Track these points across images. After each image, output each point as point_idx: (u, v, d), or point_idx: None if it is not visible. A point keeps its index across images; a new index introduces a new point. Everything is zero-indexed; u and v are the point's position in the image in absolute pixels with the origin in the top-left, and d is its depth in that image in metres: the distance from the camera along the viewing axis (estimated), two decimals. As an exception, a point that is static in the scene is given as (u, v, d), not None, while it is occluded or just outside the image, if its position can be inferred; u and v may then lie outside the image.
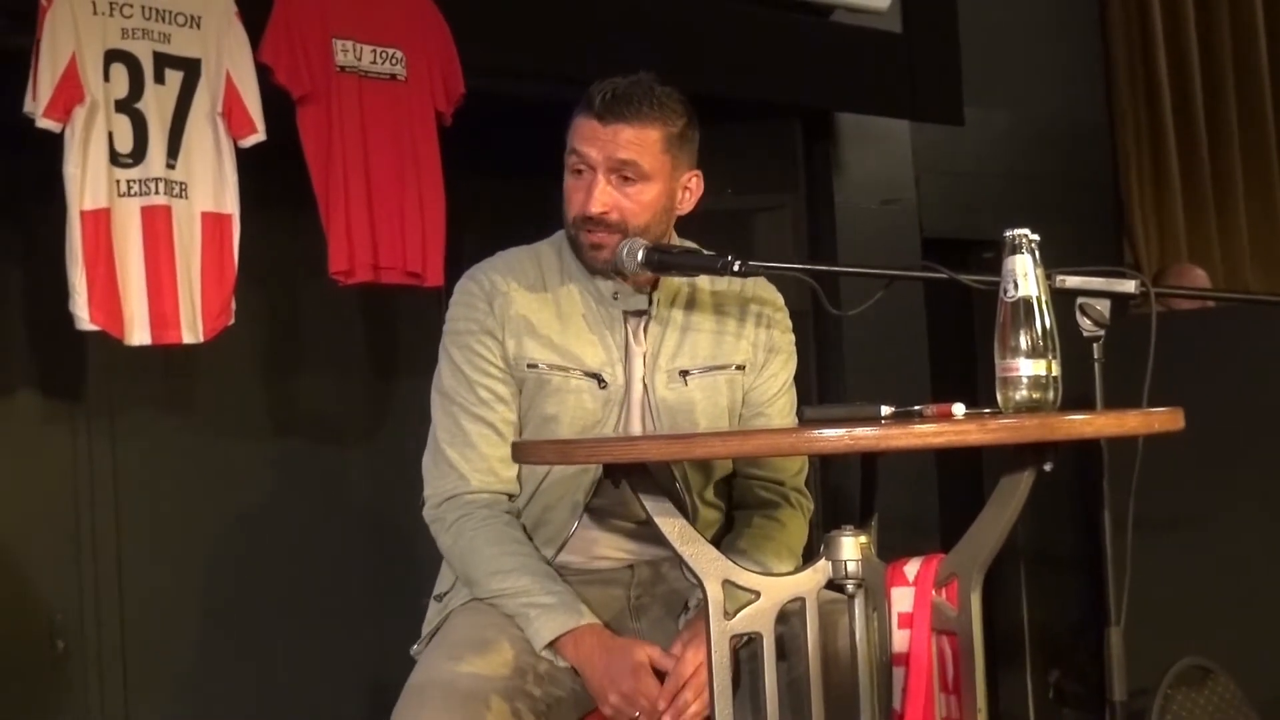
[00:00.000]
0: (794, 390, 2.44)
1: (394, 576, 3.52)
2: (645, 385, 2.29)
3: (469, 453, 2.27)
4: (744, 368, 2.36)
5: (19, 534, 3.20)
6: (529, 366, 2.27)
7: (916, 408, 2.02)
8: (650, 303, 2.31)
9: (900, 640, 1.91)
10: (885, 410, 2.00)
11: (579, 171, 2.24)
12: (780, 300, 2.43)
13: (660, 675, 2.11)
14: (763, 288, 2.41)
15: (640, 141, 2.22)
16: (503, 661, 2.14)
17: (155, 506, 3.40)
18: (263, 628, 3.51)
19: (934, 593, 1.91)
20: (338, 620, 3.60)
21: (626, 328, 2.30)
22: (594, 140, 2.22)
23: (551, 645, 2.15)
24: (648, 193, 2.24)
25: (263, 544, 3.54)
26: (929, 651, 1.88)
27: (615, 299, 2.30)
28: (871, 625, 1.96)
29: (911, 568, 1.93)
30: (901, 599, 1.91)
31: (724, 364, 2.34)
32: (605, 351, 2.28)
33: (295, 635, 3.55)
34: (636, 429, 2.28)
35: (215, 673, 3.44)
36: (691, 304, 2.35)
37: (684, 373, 2.30)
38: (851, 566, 1.94)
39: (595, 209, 2.22)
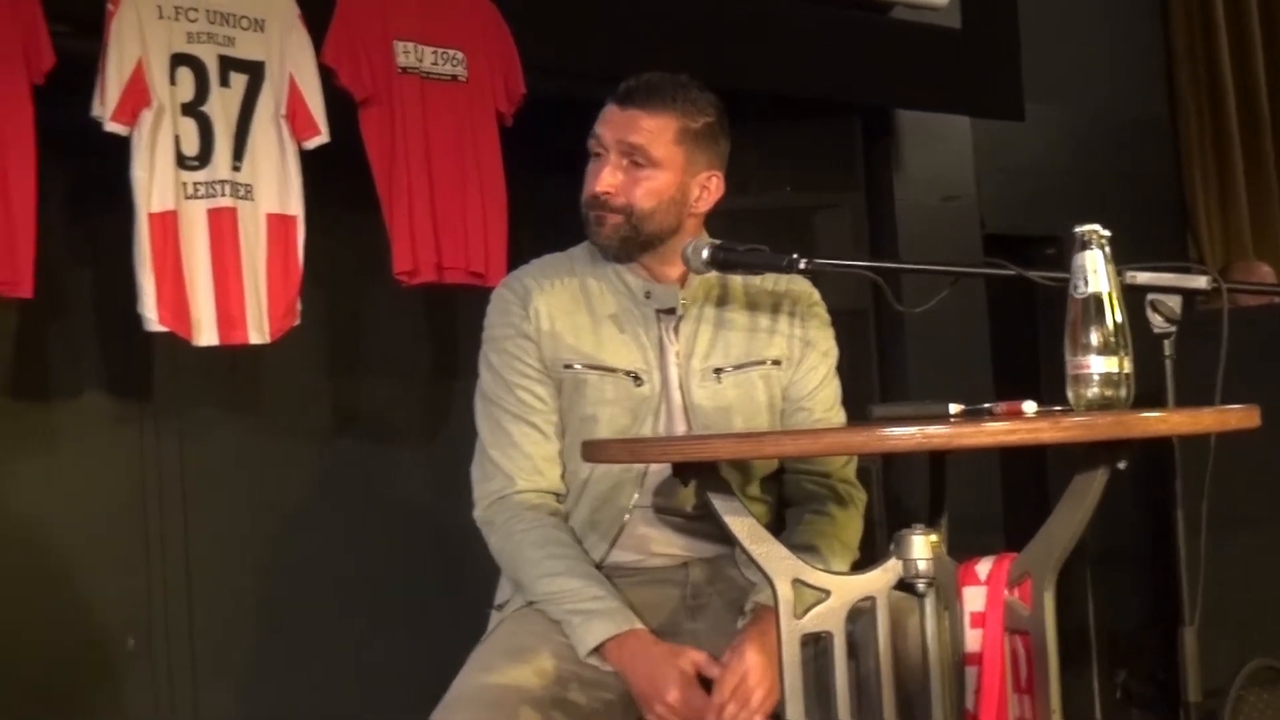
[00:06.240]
0: (837, 382, 2.42)
1: (455, 578, 3.51)
2: (680, 383, 2.30)
3: (513, 453, 2.28)
4: (780, 363, 2.35)
5: (90, 532, 3.24)
6: (565, 367, 2.28)
7: (986, 405, 2.01)
8: (683, 301, 2.32)
9: (972, 640, 1.90)
10: (954, 408, 1.99)
11: (596, 155, 2.30)
12: (815, 295, 2.43)
13: (706, 682, 2.11)
14: (796, 282, 2.40)
15: (653, 128, 2.26)
16: (540, 670, 2.13)
17: (221, 505, 3.42)
18: (327, 626, 3.52)
19: (1007, 592, 1.89)
20: (401, 621, 3.61)
21: (660, 326, 2.31)
22: (610, 123, 2.28)
23: (596, 651, 2.15)
24: (655, 180, 2.26)
25: (326, 543, 3.55)
26: (1002, 651, 1.87)
27: (647, 298, 2.31)
28: (942, 624, 1.95)
29: (983, 567, 1.91)
30: (974, 598, 1.90)
31: (758, 360, 2.34)
32: (640, 350, 2.29)
33: (359, 634, 3.56)
34: (678, 427, 2.28)
35: (280, 670, 3.47)
36: (724, 301, 2.35)
37: (718, 370, 2.31)
38: (922, 565, 1.93)
39: (599, 188, 2.26)
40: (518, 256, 3.18)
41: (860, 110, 4.27)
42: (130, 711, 3.26)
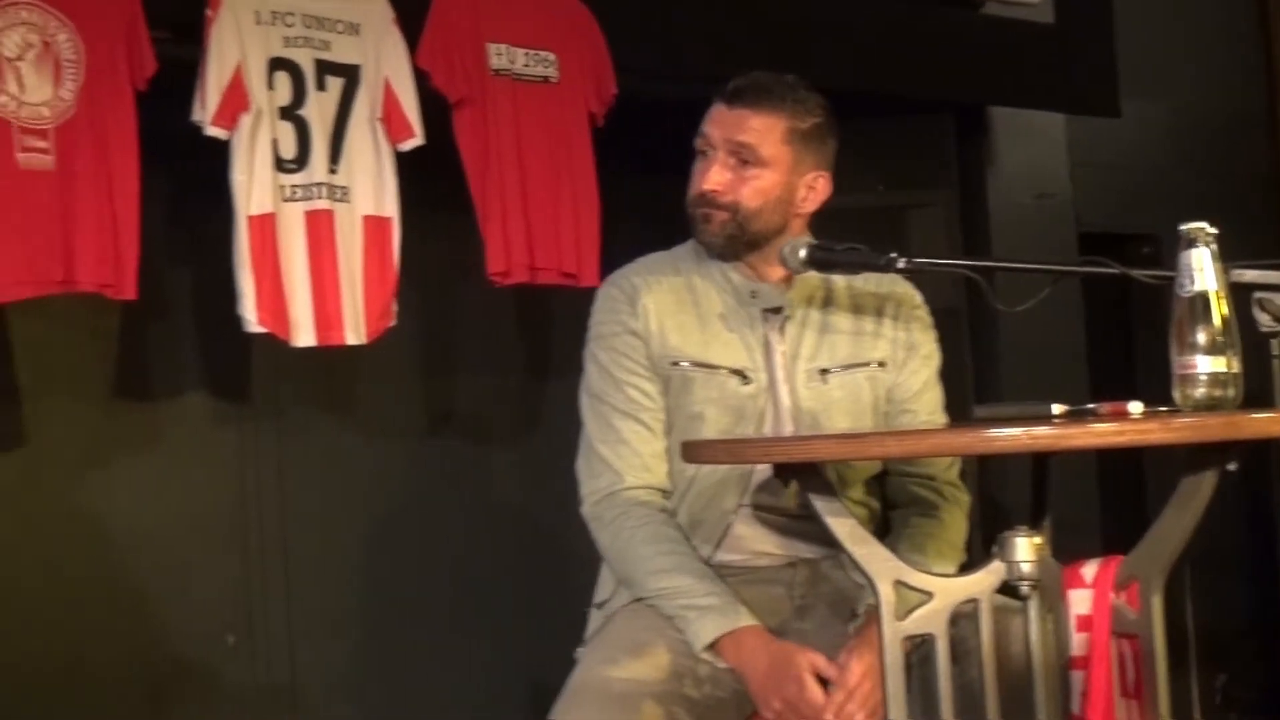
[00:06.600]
0: (940, 386, 2.42)
1: (551, 577, 3.54)
2: (787, 383, 2.29)
3: (622, 449, 2.29)
4: (885, 364, 2.35)
5: (190, 531, 3.28)
6: (672, 365, 2.29)
7: (1090, 406, 1.99)
8: (787, 301, 2.32)
9: (1078, 643, 1.88)
10: (1056, 409, 1.96)
11: (703, 153, 2.31)
12: (918, 297, 2.43)
13: (823, 682, 2.10)
14: (899, 285, 2.41)
15: (761, 128, 2.27)
16: (658, 665, 2.14)
17: (319, 505, 3.45)
18: (422, 624, 3.55)
19: (1113, 595, 1.87)
20: (496, 619, 3.62)
21: (765, 326, 2.31)
22: (719, 122, 2.29)
23: (711, 647, 2.15)
24: (763, 179, 2.28)
25: (422, 542, 3.58)
26: (1109, 655, 1.85)
27: (753, 297, 2.31)
28: (1046, 628, 1.93)
29: (1089, 570, 1.89)
30: (1079, 601, 1.88)
31: (864, 361, 2.34)
32: (746, 349, 2.29)
33: (454, 632, 3.58)
34: (785, 427, 2.28)
35: (376, 667, 3.50)
36: (828, 303, 2.35)
37: (824, 371, 2.31)
38: (1026, 568, 1.90)
39: (707, 185, 2.28)
40: (611, 257, 3.19)
41: (953, 107, 4.23)
42: (230, 708, 3.30)
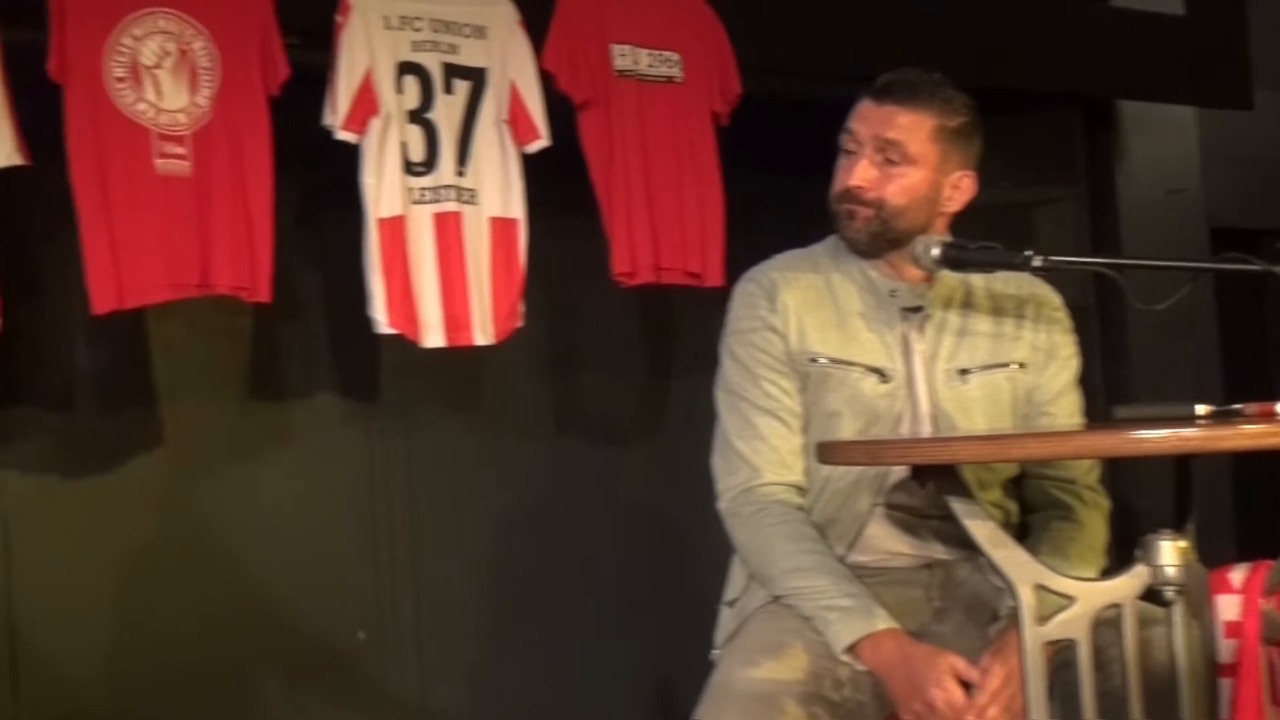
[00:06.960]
0: (1079, 390, 2.39)
1: (678, 576, 3.54)
2: (925, 383, 2.27)
3: (759, 445, 2.29)
4: (1025, 366, 2.32)
5: (322, 529, 3.33)
6: (810, 361, 2.28)
7: (1235, 406, 1.94)
8: (927, 300, 2.29)
9: (1226, 650, 1.84)
10: (1200, 409, 1.92)
11: (849, 151, 2.30)
12: (1058, 300, 2.40)
13: (964, 686, 2.07)
14: (1039, 286, 2.38)
15: (909, 125, 2.25)
16: (798, 666, 2.13)
17: (446, 503, 3.49)
18: (548, 623, 3.57)
19: (1262, 600, 1.83)
20: (623, 619, 3.63)
21: (904, 325, 2.29)
22: (866, 119, 2.28)
23: (850, 649, 2.14)
24: (910, 177, 2.26)
25: (547, 541, 3.60)
26: (1259, 662, 1.80)
27: (892, 296, 2.29)
28: (1192, 634, 1.89)
29: (1237, 574, 1.86)
30: (1227, 607, 1.84)
31: (1004, 362, 2.31)
32: (885, 348, 2.28)
33: (580, 630, 3.59)
34: (923, 426, 2.26)
35: (504, 663, 3.52)
36: (968, 305, 2.32)
37: (963, 371, 2.28)
38: (1171, 572, 1.86)
39: (854, 181, 2.26)
40: (736, 257, 3.18)
41: (1081, 101, 4.17)
42: (361, 701, 3.35)
